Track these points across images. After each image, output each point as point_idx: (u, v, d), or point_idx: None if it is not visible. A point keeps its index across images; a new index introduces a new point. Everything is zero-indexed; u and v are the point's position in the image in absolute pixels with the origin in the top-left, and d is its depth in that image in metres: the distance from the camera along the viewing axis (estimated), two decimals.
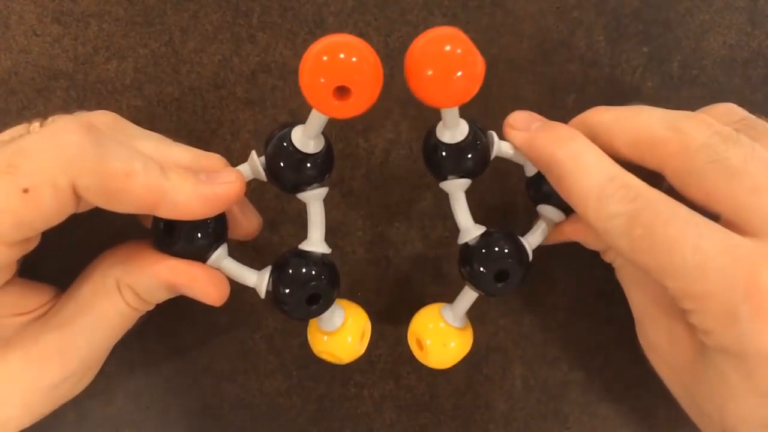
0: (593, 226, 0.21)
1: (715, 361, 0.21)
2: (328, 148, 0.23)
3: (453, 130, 0.23)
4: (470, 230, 0.24)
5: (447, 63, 0.19)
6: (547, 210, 0.25)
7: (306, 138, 0.22)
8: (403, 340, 0.28)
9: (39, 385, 0.22)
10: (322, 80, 0.18)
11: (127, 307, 0.23)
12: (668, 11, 0.27)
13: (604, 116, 0.23)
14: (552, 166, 0.22)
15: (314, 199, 0.23)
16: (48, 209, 0.19)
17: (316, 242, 0.23)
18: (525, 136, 0.23)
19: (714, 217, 0.20)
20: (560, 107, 0.28)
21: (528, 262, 0.24)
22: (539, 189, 0.25)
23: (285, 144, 0.22)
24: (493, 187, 0.28)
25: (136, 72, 0.27)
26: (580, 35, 0.28)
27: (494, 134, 0.24)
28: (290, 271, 0.23)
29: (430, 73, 0.19)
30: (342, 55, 0.18)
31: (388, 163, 0.28)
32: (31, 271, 0.23)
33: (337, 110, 0.19)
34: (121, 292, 0.22)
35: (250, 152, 0.23)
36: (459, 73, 0.19)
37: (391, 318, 0.29)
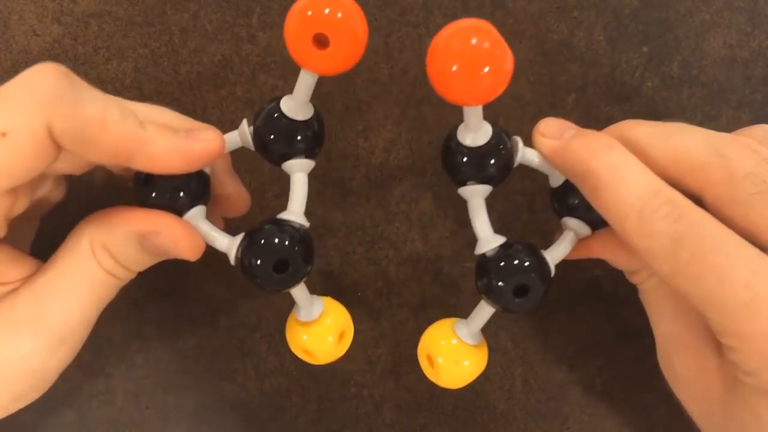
0: (631, 244, 0.20)
1: (752, 402, 0.20)
2: (318, 122, 0.23)
3: (475, 133, 0.22)
4: (489, 240, 0.22)
5: (473, 58, 0.18)
6: (572, 223, 0.24)
7: (293, 102, 0.22)
8: (403, 340, 0.28)
9: (11, 356, 0.21)
10: (301, 29, 0.19)
11: (102, 271, 0.22)
12: (668, 11, 0.27)
13: (640, 131, 0.22)
14: (587, 177, 0.21)
15: (299, 170, 0.23)
16: (26, 153, 0.19)
17: (294, 213, 0.22)
18: (557, 144, 0.22)
19: (759, 247, 0.19)
20: (560, 107, 0.28)
21: (550, 278, 0.22)
22: (565, 201, 0.23)
23: (274, 112, 0.22)
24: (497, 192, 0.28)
25: (136, 72, 0.27)
26: (580, 35, 0.28)
27: (519, 140, 0.23)
28: (261, 234, 0.22)
29: (454, 68, 0.18)
30: (320, 6, 0.19)
31: (388, 163, 0.28)
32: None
33: (318, 61, 0.19)
34: (95, 254, 0.22)
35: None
36: (486, 69, 0.18)
37: (391, 318, 0.29)
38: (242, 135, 0.23)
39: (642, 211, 0.19)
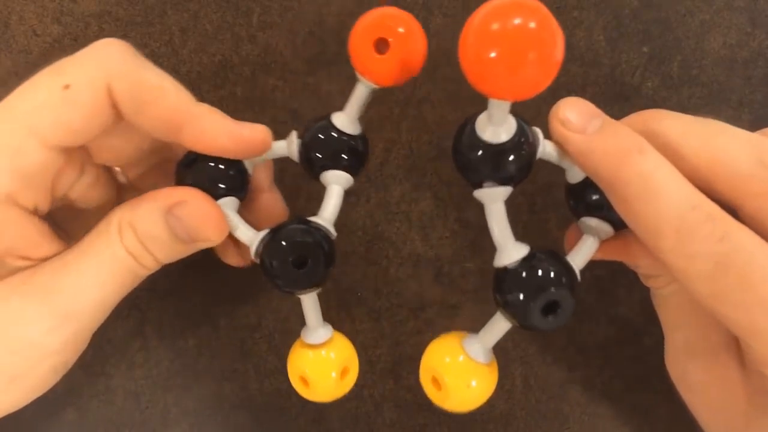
0: (665, 262, 0.18)
1: None
2: (364, 141, 0.23)
3: (499, 127, 0.19)
4: (510, 251, 0.20)
5: (515, 42, 0.15)
6: (594, 224, 0.21)
7: (345, 116, 0.22)
8: (402, 340, 0.28)
9: (10, 326, 0.20)
10: (364, 33, 0.20)
11: (126, 254, 0.21)
12: (668, 11, 0.27)
13: (673, 127, 0.19)
14: (615, 185, 0.18)
15: (336, 182, 0.23)
16: (86, 108, 0.20)
17: (323, 219, 0.22)
18: (579, 140, 0.19)
19: None
20: None
21: (577, 289, 0.20)
22: (584, 199, 0.21)
23: (326, 126, 0.22)
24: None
25: None
26: (580, 35, 0.28)
27: (539, 132, 0.20)
28: (285, 229, 0.21)
29: (492, 55, 0.15)
30: (384, 16, 0.20)
31: (388, 163, 0.28)
32: None
33: (377, 65, 0.20)
34: (121, 234, 0.21)
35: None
36: (531, 56, 0.15)
37: (391, 318, 0.29)
38: (290, 145, 0.23)
39: (680, 230, 0.17)
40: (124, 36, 0.27)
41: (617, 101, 0.28)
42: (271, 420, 0.29)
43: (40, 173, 0.21)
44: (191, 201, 0.21)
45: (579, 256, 0.21)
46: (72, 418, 0.28)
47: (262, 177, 0.24)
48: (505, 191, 0.20)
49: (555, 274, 0.19)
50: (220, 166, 0.22)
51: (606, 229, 0.21)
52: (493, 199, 0.20)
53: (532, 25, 0.15)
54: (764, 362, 0.18)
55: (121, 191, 0.25)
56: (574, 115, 0.19)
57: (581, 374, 0.29)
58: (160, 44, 0.27)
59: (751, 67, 0.28)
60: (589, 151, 0.19)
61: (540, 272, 0.19)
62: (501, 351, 0.29)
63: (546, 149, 0.20)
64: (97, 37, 0.27)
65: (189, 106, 0.21)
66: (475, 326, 0.26)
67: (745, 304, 0.17)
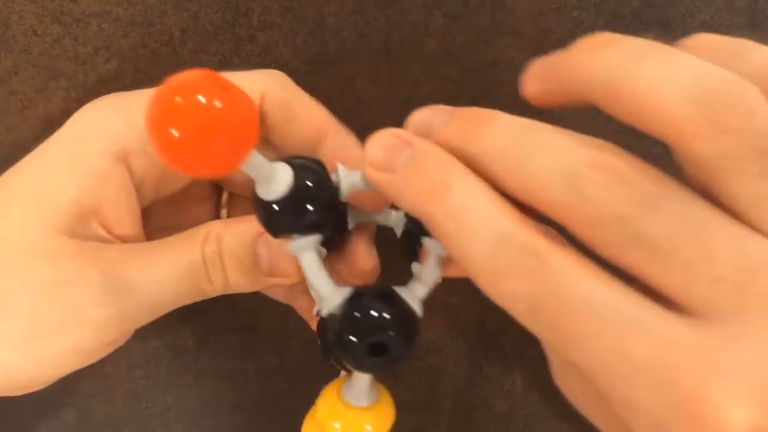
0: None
1: None
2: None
3: (269, 185, 0.18)
4: (332, 295, 0.18)
5: (199, 123, 0.14)
6: (430, 244, 0.20)
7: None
8: None
9: (67, 294, 0.20)
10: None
11: (201, 259, 0.20)
12: (668, 11, 0.27)
13: (484, 144, 0.17)
14: (431, 226, 0.17)
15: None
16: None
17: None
18: (388, 181, 0.17)
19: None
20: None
21: (414, 326, 0.19)
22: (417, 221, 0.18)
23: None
24: None
25: (136, 72, 0.27)
26: (580, 35, 0.28)
27: (342, 168, 0.20)
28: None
29: (176, 133, 0.14)
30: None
31: None
32: None
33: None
34: (205, 241, 0.21)
35: None
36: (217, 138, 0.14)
37: None
38: (397, 221, 0.22)
39: (492, 272, 0.16)
40: (124, 36, 0.27)
41: None
42: (271, 420, 0.29)
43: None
44: (267, 246, 0.21)
45: (419, 286, 0.19)
46: (72, 418, 0.28)
47: (358, 233, 0.23)
48: (312, 240, 0.19)
49: (379, 314, 0.18)
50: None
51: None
52: (303, 248, 0.19)
53: (218, 104, 0.14)
54: (605, 397, 0.16)
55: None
56: (379, 151, 0.18)
57: None
58: (160, 44, 0.27)
59: None
60: (398, 192, 0.17)
61: (360, 315, 0.18)
62: (501, 351, 0.29)
63: (354, 180, 0.19)
64: (97, 38, 0.27)
65: (331, 120, 0.22)
66: (475, 326, 0.26)
67: (563, 342, 0.15)
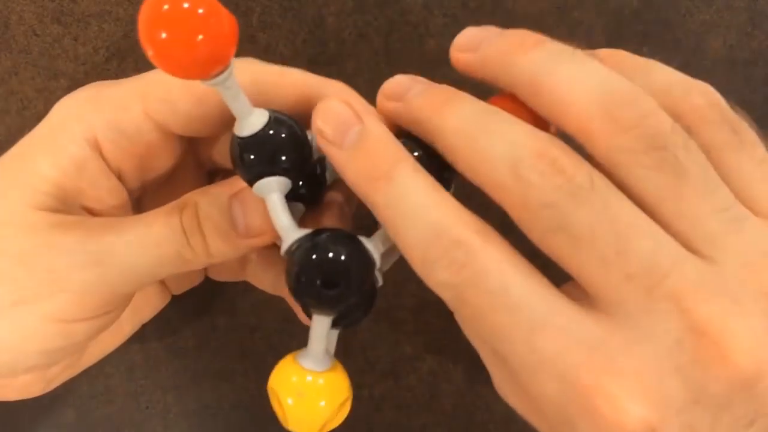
0: None
1: None
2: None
3: (245, 119, 0.18)
4: (292, 234, 0.19)
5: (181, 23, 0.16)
6: None
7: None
8: (402, 340, 0.28)
9: (47, 259, 0.20)
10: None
11: (179, 225, 0.20)
12: (668, 11, 0.27)
13: (447, 120, 0.18)
14: (372, 209, 0.18)
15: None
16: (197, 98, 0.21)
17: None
18: (336, 155, 0.18)
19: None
20: None
21: (368, 269, 0.19)
22: None
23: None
24: None
25: (136, 72, 0.27)
26: (580, 35, 0.28)
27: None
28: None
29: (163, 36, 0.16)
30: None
31: None
32: None
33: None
34: (182, 209, 0.21)
35: None
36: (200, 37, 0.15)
37: (390, 318, 0.29)
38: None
39: (424, 261, 0.17)
40: (124, 36, 0.27)
41: None
42: (271, 420, 0.29)
43: (134, 137, 0.21)
44: (237, 196, 0.20)
45: (382, 238, 0.20)
46: (72, 418, 0.28)
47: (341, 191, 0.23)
48: (279, 181, 0.19)
49: (333, 252, 0.18)
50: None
51: None
52: (268, 190, 0.19)
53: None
54: (520, 389, 0.17)
55: None
56: (328, 125, 0.18)
57: None
58: None
59: (751, 67, 0.28)
60: (343, 169, 0.18)
61: (314, 251, 0.18)
62: None
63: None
64: (97, 38, 0.27)
65: (317, 78, 0.21)
66: None
67: (482, 335, 0.17)
